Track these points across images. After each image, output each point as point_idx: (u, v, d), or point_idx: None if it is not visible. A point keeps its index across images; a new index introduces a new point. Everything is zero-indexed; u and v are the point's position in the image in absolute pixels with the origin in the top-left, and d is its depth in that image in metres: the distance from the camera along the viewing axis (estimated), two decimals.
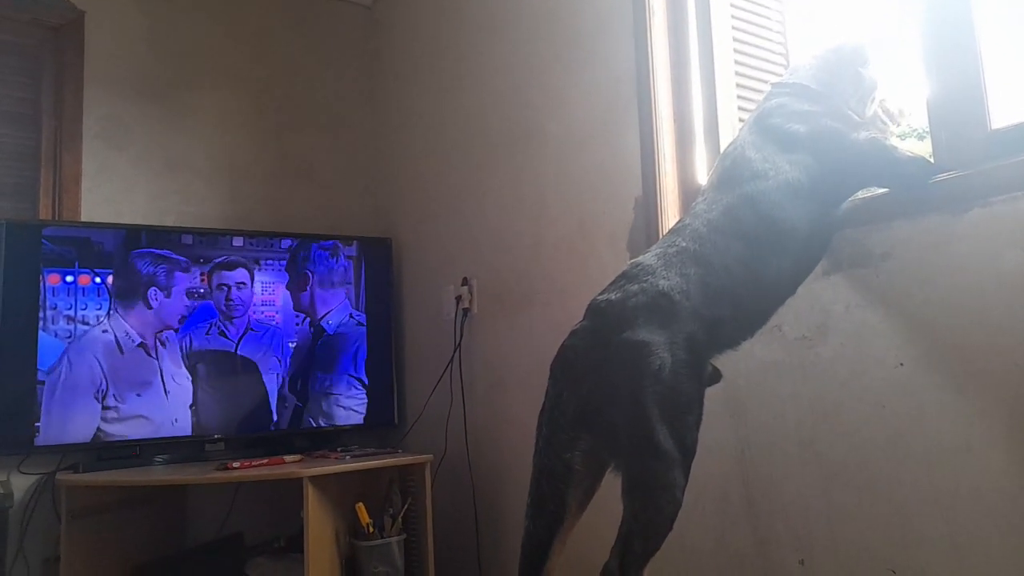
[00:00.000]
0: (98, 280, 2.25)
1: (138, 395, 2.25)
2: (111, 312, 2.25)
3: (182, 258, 2.37)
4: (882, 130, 1.41)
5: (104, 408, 2.19)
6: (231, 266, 2.45)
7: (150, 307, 2.28)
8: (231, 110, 2.75)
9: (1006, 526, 1.13)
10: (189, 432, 2.32)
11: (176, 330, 2.33)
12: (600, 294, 1.19)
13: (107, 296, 2.25)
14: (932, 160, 1.28)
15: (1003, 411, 1.14)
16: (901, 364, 1.27)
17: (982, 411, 1.17)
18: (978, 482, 1.17)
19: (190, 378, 2.34)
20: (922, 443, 1.24)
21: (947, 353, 1.22)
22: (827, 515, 1.37)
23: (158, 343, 2.30)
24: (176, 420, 2.30)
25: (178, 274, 2.36)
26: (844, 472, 1.35)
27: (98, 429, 2.18)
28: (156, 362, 2.29)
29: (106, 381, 2.20)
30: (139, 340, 2.27)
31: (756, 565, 1.50)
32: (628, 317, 1.11)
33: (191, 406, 2.33)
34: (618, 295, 1.15)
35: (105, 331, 2.23)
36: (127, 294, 2.28)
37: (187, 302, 2.36)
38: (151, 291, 2.29)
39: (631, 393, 1.07)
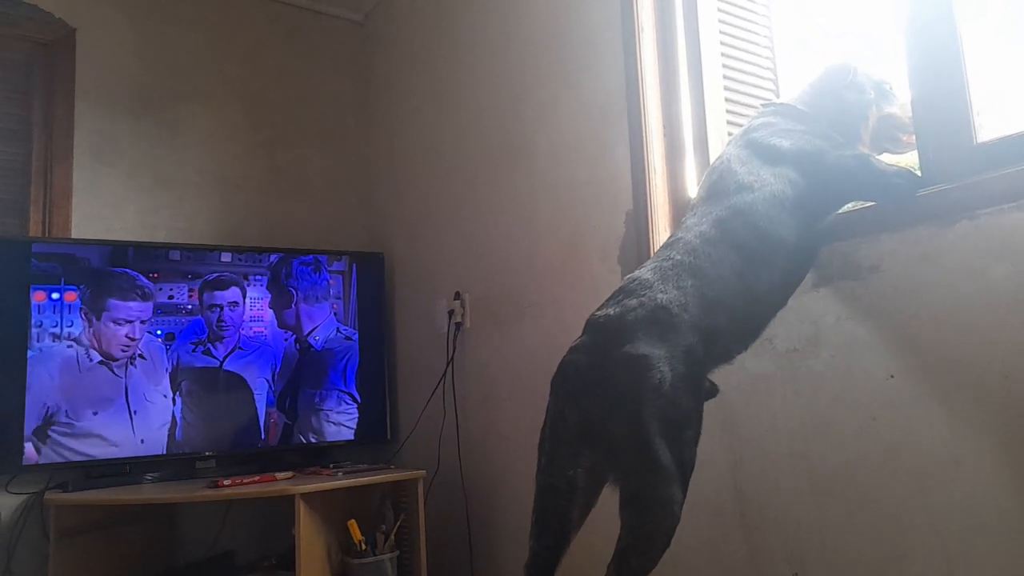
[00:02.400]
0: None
1: (95, 413, 2.18)
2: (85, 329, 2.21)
3: (145, 282, 2.29)
4: (893, 141, 1.41)
5: (54, 425, 2.13)
6: (224, 285, 2.42)
7: (90, 325, 2.21)
8: (223, 125, 2.75)
9: (997, 538, 1.13)
10: (163, 452, 2.26)
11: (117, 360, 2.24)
12: (598, 309, 1.19)
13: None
14: (919, 173, 1.29)
15: (993, 423, 1.15)
16: (891, 376, 1.28)
17: (972, 423, 1.17)
18: (969, 494, 1.17)
19: (170, 397, 2.29)
20: (913, 455, 1.24)
21: (936, 365, 1.22)
22: (819, 527, 1.37)
23: (128, 362, 2.24)
24: (143, 441, 2.23)
25: (112, 301, 2.25)
26: (836, 484, 1.35)
27: (49, 449, 2.11)
28: (123, 380, 2.23)
29: (56, 397, 2.14)
30: (99, 358, 2.21)
31: None
32: (628, 331, 1.11)
33: (166, 426, 2.27)
34: (617, 310, 1.15)
35: (69, 347, 2.18)
36: (85, 312, 2.22)
37: (124, 330, 2.25)
38: (81, 310, 2.21)
39: (631, 407, 1.06)
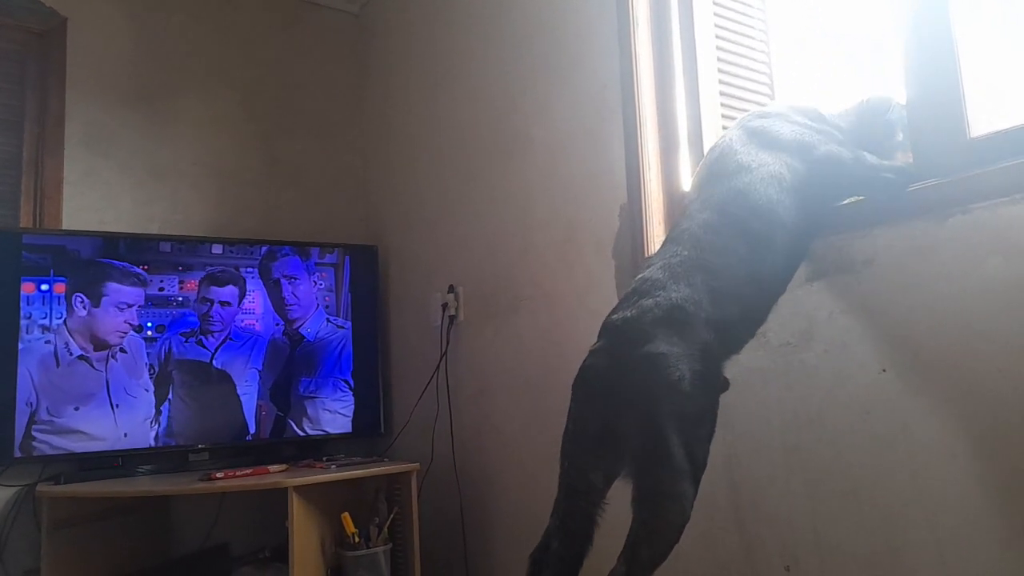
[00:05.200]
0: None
1: (76, 409, 2.16)
2: (66, 322, 2.18)
3: (138, 270, 2.28)
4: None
5: (36, 423, 2.10)
6: (222, 281, 2.41)
7: (74, 312, 2.17)
8: (218, 116, 2.73)
9: (991, 532, 1.14)
10: (147, 445, 2.24)
11: (115, 346, 2.22)
12: (613, 313, 1.19)
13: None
14: (913, 168, 1.29)
15: (987, 417, 1.15)
16: (884, 370, 1.28)
17: (966, 417, 1.17)
18: (963, 488, 1.17)
19: (151, 391, 2.27)
20: (906, 449, 1.25)
21: (930, 359, 1.23)
22: (813, 521, 1.38)
23: (110, 356, 2.22)
24: (126, 435, 2.21)
25: (111, 285, 2.24)
26: (829, 478, 1.36)
27: (31, 446, 2.09)
28: (103, 374, 2.21)
29: (36, 394, 2.11)
30: (79, 352, 2.18)
31: (743, 571, 1.50)
32: (646, 332, 1.11)
33: (149, 419, 2.25)
34: (634, 311, 1.15)
35: (48, 342, 2.15)
36: (68, 303, 2.19)
37: (124, 315, 2.24)
38: (76, 297, 2.19)
39: (649, 404, 1.07)
